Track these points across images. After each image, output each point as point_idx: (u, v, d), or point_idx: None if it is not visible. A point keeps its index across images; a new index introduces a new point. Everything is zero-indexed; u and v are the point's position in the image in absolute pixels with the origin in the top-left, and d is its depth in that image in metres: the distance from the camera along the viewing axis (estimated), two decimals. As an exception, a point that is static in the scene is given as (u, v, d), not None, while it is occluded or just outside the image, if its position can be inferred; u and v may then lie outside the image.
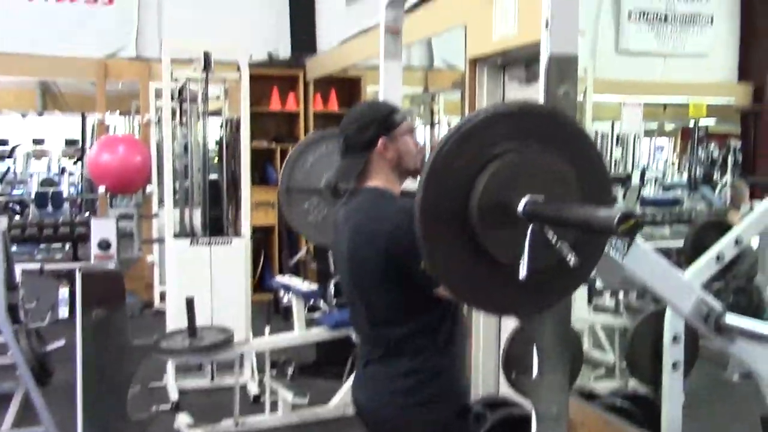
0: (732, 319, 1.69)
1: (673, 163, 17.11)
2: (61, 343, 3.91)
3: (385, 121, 2.04)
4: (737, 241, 2.82)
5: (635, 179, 12.44)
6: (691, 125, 13.59)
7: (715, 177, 13.66)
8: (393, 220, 1.90)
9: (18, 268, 4.04)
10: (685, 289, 1.68)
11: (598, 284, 4.77)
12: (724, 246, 2.76)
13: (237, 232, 6.38)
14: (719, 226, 3.11)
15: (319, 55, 7.65)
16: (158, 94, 7.18)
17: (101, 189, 6.99)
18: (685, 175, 13.79)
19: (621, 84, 8.73)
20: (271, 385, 4.27)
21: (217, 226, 6.63)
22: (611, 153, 13.39)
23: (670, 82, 8.72)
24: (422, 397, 1.98)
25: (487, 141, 1.34)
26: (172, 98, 7.20)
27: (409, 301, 1.95)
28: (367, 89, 7.89)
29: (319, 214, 3.27)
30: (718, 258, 2.76)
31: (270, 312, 5.72)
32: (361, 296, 2.04)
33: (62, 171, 14.36)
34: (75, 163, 12.91)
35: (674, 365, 2.94)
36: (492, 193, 1.32)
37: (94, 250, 2.19)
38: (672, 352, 2.94)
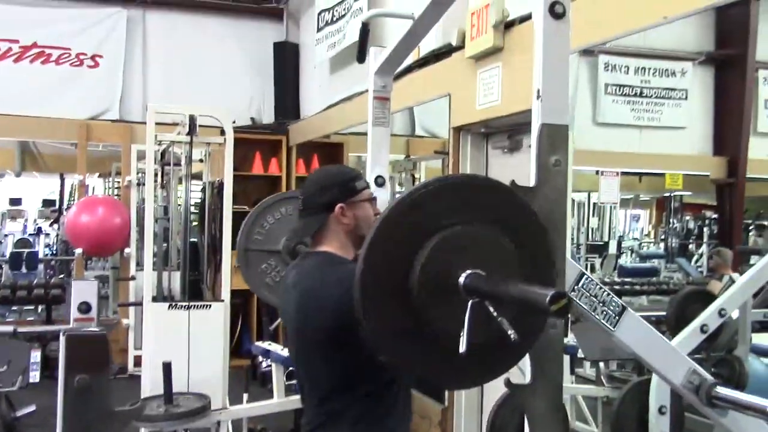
0: (723, 391, 1.68)
1: (648, 233, 17.28)
2: (32, 408, 3.81)
3: (345, 186, 2.03)
4: (721, 313, 2.83)
5: (612, 248, 12.54)
6: (667, 196, 13.79)
7: (690, 247, 13.78)
8: (342, 284, 1.82)
9: (-9, 330, 3.95)
10: (676, 359, 1.67)
11: (579, 354, 4.76)
12: (708, 316, 2.77)
13: (215, 296, 6.34)
14: (702, 296, 3.12)
15: (302, 120, 7.73)
16: (140, 157, 7.20)
17: (78, 251, 6.91)
18: (662, 245, 13.92)
19: (598, 155, 8.89)
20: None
21: (195, 289, 6.58)
22: (588, 222, 13.49)
23: (647, 154, 8.91)
24: None
25: (432, 213, 1.34)
26: (155, 161, 7.26)
27: (354, 368, 1.90)
28: (348, 155, 7.96)
29: (277, 276, 3.24)
30: (702, 329, 2.78)
31: (248, 378, 5.61)
32: (306, 362, 2.01)
33: (38, 231, 14.23)
34: (51, 224, 12.79)
35: (660, 437, 2.91)
36: (434, 265, 1.31)
37: (74, 313, 2.14)
38: (658, 424, 2.91)
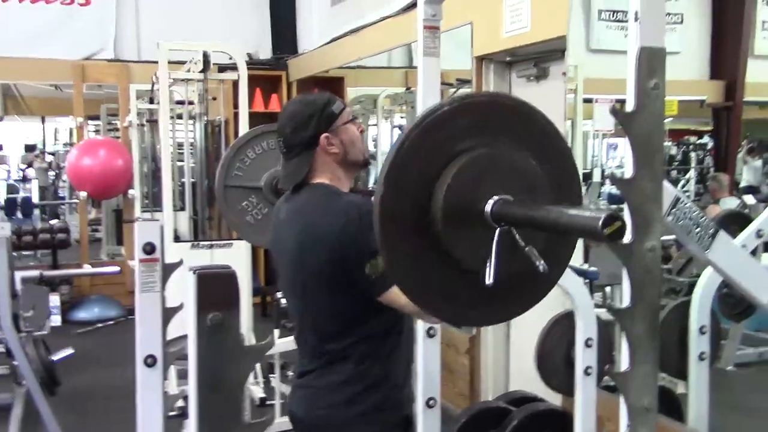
0: (807, 308, 1.71)
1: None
2: (69, 351, 3.82)
3: (323, 113, 1.91)
4: (759, 233, 2.87)
5: (596, 176, 12.66)
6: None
7: (672, 173, 13.96)
8: (345, 213, 1.80)
9: (17, 276, 3.93)
10: (765, 279, 1.70)
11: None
12: (746, 237, 2.81)
13: (221, 236, 6.33)
14: (738, 218, 3.16)
15: (302, 55, 7.60)
16: (138, 96, 7.08)
17: (83, 194, 6.84)
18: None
19: (592, 81, 8.86)
20: (280, 388, 4.21)
21: (199, 230, 6.58)
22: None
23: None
24: (363, 407, 1.89)
25: (453, 135, 1.25)
26: (152, 101, 7.14)
27: (355, 307, 1.85)
28: (347, 89, 7.87)
29: (258, 214, 3.10)
30: (744, 247, 2.82)
31: (257, 316, 5.65)
32: (307, 300, 1.94)
33: (23, 178, 14.06)
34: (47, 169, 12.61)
35: (701, 356, 2.99)
36: (457, 191, 1.22)
37: (139, 253, 2.12)
38: (698, 343, 2.98)
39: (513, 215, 1.21)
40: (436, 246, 1.24)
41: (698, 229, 1.63)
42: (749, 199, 5.55)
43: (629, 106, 1.55)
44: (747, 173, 12.18)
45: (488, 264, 1.21)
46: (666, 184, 1.58)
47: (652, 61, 1.53)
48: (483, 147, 1.25)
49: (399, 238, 1.24)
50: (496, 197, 1.22)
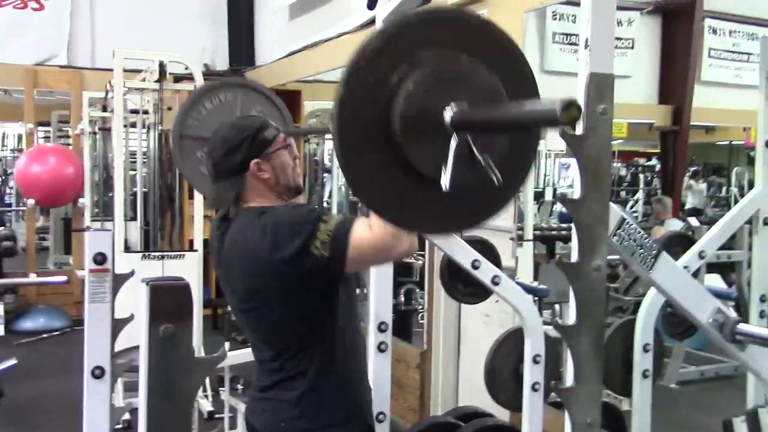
0: (745, 327, 1.78)
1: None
2: (12, 362, 3.74)
3: (255, 139, 1.90)
4: (701, 255, 2.96)
5: (548, 195, 12.87)
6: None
7: (621, 194, 14.22)
8: (263, 228, 1.78)
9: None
10: (704, 299, 1.76)
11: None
12: (689, 259, 2.89)
13: (171, 246, 6.27)
14: (683, 240, 3.25)
15: (259, 67, 7.59)
16: (91, 104, 6.99)
17: (30, 201, 6.71)
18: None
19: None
20: (230, 401, 4.18)
21: (150, 240, 6.50)
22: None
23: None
24: (324, 420, 1.90)
25: (415, 45, 1.26)
26: (105, 109, 7.06)
27: (304, 318, 1.86)
28: (304, 102, 7.87)
29: None
30: (685, 269, 2.90)
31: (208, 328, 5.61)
32: (254, 321, 1.94)
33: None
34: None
35: (644, 373, 3.06)
36: (417, 99, 1.25)
37: (89, 264, 2.10)
38: (642, 361, 3.05)
39: (471, 119, 1.24)
40: (397, 155, 1.27)
41: (642, 250, 1.69)
42: (693, 221, 5.71)
43: (579, 130, 1.60)
44: (692, 196, 12.53)
45: (443, 169, 1.23)
46: (612, 205, 1.64)
47: (601, 87, 1.58)
48: (444, 58, 1.27)
49: (358, 147, 1.26)
50: (454, 104, 1.24)
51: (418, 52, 1.27)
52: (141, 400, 1.64)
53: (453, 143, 1.24)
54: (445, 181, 1.23)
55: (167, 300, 1.58)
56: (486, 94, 1.29)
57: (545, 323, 4.10)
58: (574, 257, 1.61)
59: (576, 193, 1.60)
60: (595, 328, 1.62)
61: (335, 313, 1.89)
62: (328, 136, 8.65)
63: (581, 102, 1.60)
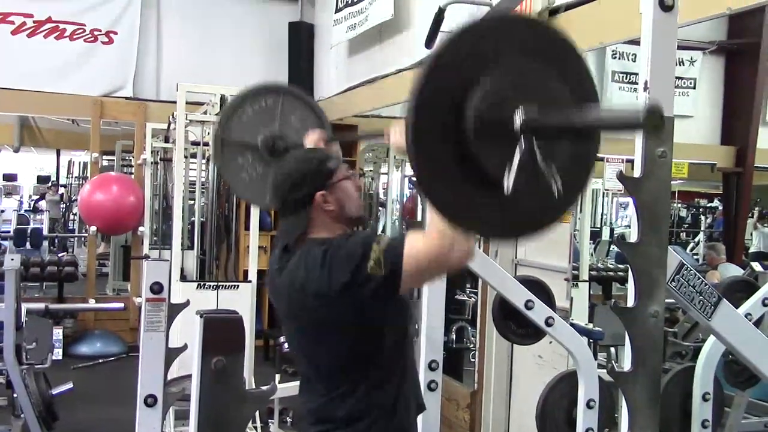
0: (811, 381, 1.71)
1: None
2: (69, 386, 3.81)
3: (319, 172, 1.92)
4: (765, 302, 2.86)
5: (605, 234, 12.63)
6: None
7: (681, 236, 13.87)
8: (328, 259, 1.78)
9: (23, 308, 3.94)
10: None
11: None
12: (752, 305, 2.80)
13: (227, 276, 6.34)
14: (746, 286, 3.15)
15: (317, 102, 7.70)
16: (154, 134, 7.18)
17: (92, 228, 6.89)
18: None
19: (604, 141, 8.93)
20: (277, 433, 4.18)
21: (202, 269, 6.60)
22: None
23: (652, 141, 8.93)
24: None
25: (480, 54, 1.30)
26: (167, 140, 7.24)
27: (355, 347, 1.85)
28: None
29: (253, 172, 2.96)
30: (746, 317, 2.81)
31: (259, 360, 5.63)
32: (306, 357, 1.94)
33: (34, 208, 14.17)
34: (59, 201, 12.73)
35: (703, 423, 2.96)
36: (491, 101, 1.28)
37: (146, 293, 2.14)
38: (702, 410, 2.95)
39: (544, 123, 1.26)
40: (463, 154, 1.29)
41: (701, 297, 1.64)
42: (757, 266, 5.53)
43: (637, 172, 1.58)
44: (757, 239, 12.16)
45: (507, 172, 1.25)
46: (671, 249, 1.60)
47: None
48: (509, 64, 1.30)
49: (430, 139, 1.29)
50: (523, 107, 1.26)
51: (495, 57, 1.30)
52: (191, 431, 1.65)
53: (519, 147, 1.26)
54: (508, 184, 1.25)
55: (220, 333, 1.60)
56: (553, 100, 1.30)
57: (600, 366, 4.01)
58: (631, 302, 1.58)
59: (633, 236, 1.58)
60: (651, 376, 1.58)
61: (386, 351, 1.88)
62: (384, 169, 8.68)
63: (640, 144, 1.58)
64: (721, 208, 9.97)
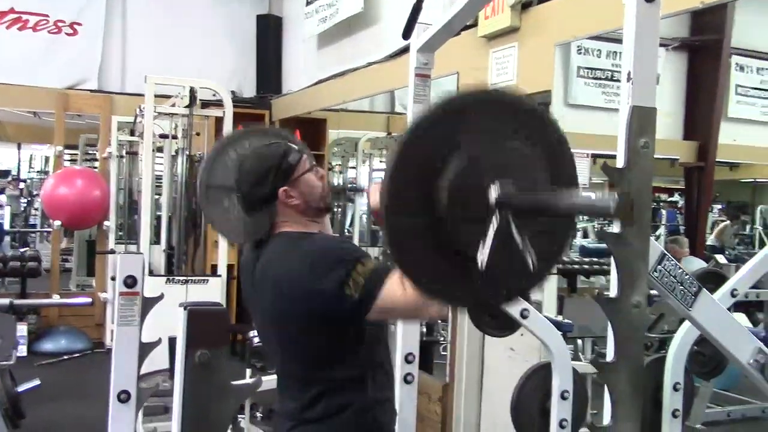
0: (786, 370, 1.73)
1: (603, 215, 17.69)
2: (36, 383, 3.73)
3: (280, 167, 1.90)
4: (733, 293, 2.91)
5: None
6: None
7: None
8: (301, 261, 1.79)
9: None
10: (745, 339, 1.72)
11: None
12: (720, 297, 2.84)
13: (194, 271, 6.27)
14: (714, 277, 3.20)
15: (286, 95, 7.65)
16: (120, 128, 7.07)
17: (57, 223, 6.76)
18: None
19: (569, 136, 8.99)
20: (249, 429, 4.15)
21: (169, 264, 6.51)
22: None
23: (617, 136, 9.03)
24: None
25: (458, 127, 1.30)
26: (132, 133, 7.13)
27: (337, 346, 1.85)
28: (329, 131, 7.92)
29: (240, 213, 3.02)
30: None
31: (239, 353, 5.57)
32: (287, 350, 1.92)
33: (-4, 204, 13.87)
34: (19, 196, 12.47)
35: (674, 413, 3.00)
36: (466, 174, 1.28)
37: (120, 287, 2.10)
38: (672, 400, 2.99)
39: (519, 201, 1.26)
40: (439, 233, 1.29)
41: (682, 287, 1.65)
42: (721, 258, 5.65)
43: (619, 163, 1.58)
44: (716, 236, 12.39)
45: (481, 246, 1.25)
46: (652, 240, 1.61)
47: (643, 120, 1.56)
48: (484, 139, 1.31)
49: (403, 224, 1.29)
50: (498, 183, 1.26)
51: (471, 129, 1.30)
52: (174, 427, 1.62)
53: (494, 221, 1.26)
54: (482, 258, 1.25)
55: (204, 325, 1.57)
56: (525, 169, 1.31)
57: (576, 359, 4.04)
58: (614, 292, 1.58)
59: (615, 227, 1.58)
60: (634, 366, 1.58)
61: (360, 349, 1.87)
62: (352, 163, 8.64)
63: (623, 136, 1.59)
64: (681, 202, 10.11)
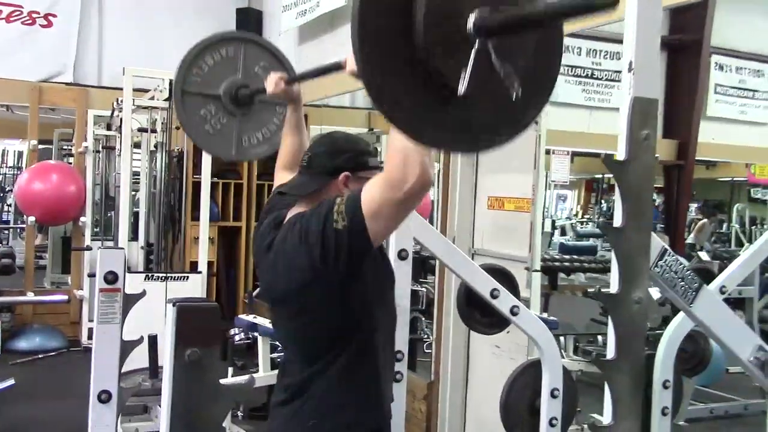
0: (786, 366, 1.71)
1: (576, 213, 17.86)
2: (10, 382, 3.64)
3: (360, 156, 1.94)
4: (722, 290, 2.89)
5: (547, 226, 12.80)
6: (597, 177, 14.11)
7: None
8: (303, 228, 1.78)
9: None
10: (746, 336, 1.69)
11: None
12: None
13: (172, 268, 6.17)
14: (703, 273, 3.18)
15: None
16: (96, 122, 6.95)
17: (31, 219, 6.63)
18: (589, 226, 14.40)
19: (551, 134, 8.99)
20: (231, 429, 4.08)
21: (148, 261, 6.41)
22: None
23: (596, 134, 9.04)
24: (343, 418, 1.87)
25: None
26: (109, 128, 7.01)
27: (340, 320, 1.83)
28: (310, 127, 7.84)
29: (217, 124, 2.84)
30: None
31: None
32: (291, 326, 1.92)
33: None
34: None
35: (663, 411, 2.97)
36: (440, 4, 1.20)
37: (100, 283, 2.03)
38: (662, 398, 2.97)
39: (497, 19, 1.18)
40: (416, 64, 1.21)
41: (683, 283, 1.62)
42: (704, 256, 5.65)
43: (621, 156, 1.54)
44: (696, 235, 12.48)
45: (463, 75, 1.18)
46: (654, 235, 1.57)
47: (644, 112, 1.53)
48: None
49: (378, 54, 1.21)
50: (479, 11, 1.19)
51: None
52: (163, 428, 1.56)
53: (474, 50, 1.19)
54: (462, 86, 1.18)
55: (195, 323, 1.50)
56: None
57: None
58: (614, 288, 1.55)
59: (617, 221, 1.55)
60: (636, 363, 1.55)
61: (369, 323, 1.87)
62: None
63: (625, 127, 1.55)
64: (658, 201, 10.15)
